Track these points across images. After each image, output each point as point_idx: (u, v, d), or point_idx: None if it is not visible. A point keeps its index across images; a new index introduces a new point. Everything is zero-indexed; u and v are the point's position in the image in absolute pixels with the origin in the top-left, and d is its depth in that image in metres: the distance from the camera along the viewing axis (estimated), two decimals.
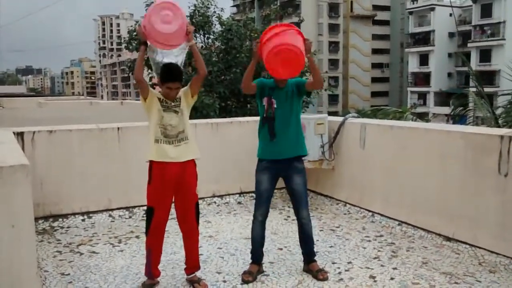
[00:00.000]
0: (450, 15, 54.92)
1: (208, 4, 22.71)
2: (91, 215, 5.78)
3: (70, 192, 5.74)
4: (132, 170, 5.85)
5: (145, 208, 3.94)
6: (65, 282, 4.06)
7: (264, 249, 4.21)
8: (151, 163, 3.78)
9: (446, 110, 31.58)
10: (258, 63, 4.02)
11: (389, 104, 54.26)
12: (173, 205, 3.89)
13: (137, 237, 5.15)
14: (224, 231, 5.37)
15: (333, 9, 69.61)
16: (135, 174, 5.63)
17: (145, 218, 3.97)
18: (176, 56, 3.93)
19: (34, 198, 4.25)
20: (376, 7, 73.89)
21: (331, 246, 4.85)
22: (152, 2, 20.05)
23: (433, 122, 19.12)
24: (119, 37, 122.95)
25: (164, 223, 3.85)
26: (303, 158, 4.18)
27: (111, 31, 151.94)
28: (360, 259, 4.48)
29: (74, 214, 5.74)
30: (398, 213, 5.47)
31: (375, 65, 74.32)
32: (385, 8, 76.19)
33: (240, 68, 20.98)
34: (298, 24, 24.40)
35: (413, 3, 62.51)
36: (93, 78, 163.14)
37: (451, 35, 58.53)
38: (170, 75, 3.70)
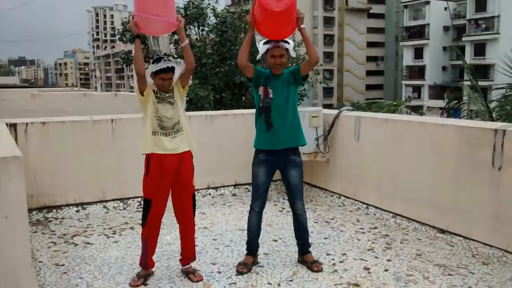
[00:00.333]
0: (445, 9, 54.99)
1: None
2: (85, 206, 5.77)
3: (64, 184, 5.72)
4: (126, 161, 5.83)
5: (139, 199, 3.95)
6: (59, 272, 4.05)
7: (259, 241, 4.21)
8: (148, 155, 3.77)
9: (441, 103, 31.71)
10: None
11: (384, 97, 54.37)
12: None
13: (132, 228, 5.14)
14: (219, 222, 5.37)
15: (328, 2, 69.55)
16: (129, 165, 5.61)
17: (139, 209, 3.97)
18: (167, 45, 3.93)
19: (28, 189, 4.23)
20: (371, 0, 73.87)
21: (325, 238, 4.86)
22: None
23: (427, 116, 19.17)
24: (113, 28, 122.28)
25: (161, 214, 3.85)
26: (301, 148, 4.16)
27: (105, 22, 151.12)
28: (354, 251, 4.50)
29: (68, 205, 5.72)
30: (393, 205, 5.49)
31: (370, 58, 74.43)
32: (380, 1, 76.22)
33: (235, 61, 20.97)
34: None
35: None
36: (86, 69, 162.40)
37: (445, 28, 58.65)
38: (163, 68, 3.68)
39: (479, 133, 4.64)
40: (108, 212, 5.72)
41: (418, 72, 60.50)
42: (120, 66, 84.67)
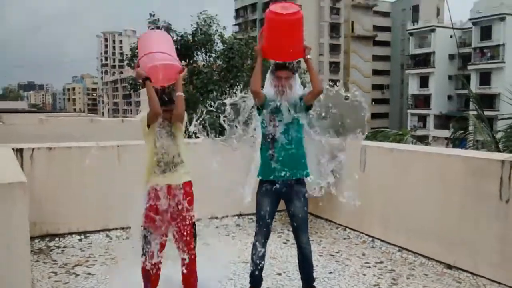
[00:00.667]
0: (451, 36, 55.37)
1: (210, 23, 22.91)
2: (88, 235, 5.72)
3: (67, 211, 5.69)
4: (131, 189, 5.79)
5: (142, 229, 3.90)
6: None
7: (262, 274, 4.13)
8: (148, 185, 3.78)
9: (446, 133, 31.62)
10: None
11: (389, 126, 54.36)
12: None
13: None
14: (222, 254, 5.29)
15: (334, 29, 70.22)
16: (134, 193, 5.57)
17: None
18: None
19: (32, 216, 4.20)
20: (376, 28, 74.50)
21: (330, 272, 4.78)
22: (155, 20, 19.97)
23: (433, 146, 19.10)
24: (121, 54, 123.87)
25: (162, 245, 3.81)
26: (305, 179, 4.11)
27: (114, 47, 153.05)
28: (360, 287, 4.42)
29: (71, 233, 5.68)
30: (398, 238, 5.41)
31: (375, 87, 74.59)
32: (386, 29, 76.81)
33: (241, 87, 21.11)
34: None
35: (414, 24, 63.05)
36: (94, 94, 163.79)
37: (451, 57, 58.94)
38: (162, 101, 3.75)
39: (486, 164, 4.59)
40: (110, 241, 5.67)
41: (423, 101, 60.58)
42: (127, 92, 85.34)
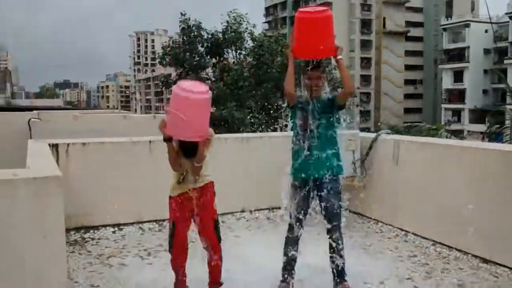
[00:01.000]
0: (486, 31, 54.05)
1: (240, 21, 23.04)
2: (121, 227, 5.83)
3: (101, 204, 5.80)
4: (163, 183, 5.85)
5: None
6: None
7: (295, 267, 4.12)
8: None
9: (482, 127, 30.87)
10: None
11: (423, 121, 53.39)
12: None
13: (166, 250, 5.13)
14: (253, 247, 5.30)
15: (365, 25, 69.48)
16: (166, 187, 5.63)
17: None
18: None
19: (67, 209, 4.30)
20: (409, 23, 73.33)
21: (362, 265, 4.72)
22: (186, 19, 20.13)
23: (468, 140, 18.67)
24: (153, 52, 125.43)
25: (185, 238, 3.86)
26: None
27: (146, 46, 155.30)
28: (393, 280, 4.36)
29: (105, 226, 5.79)
30: (432, 233, 5.31)
31: (408, 82, 73.51)
32: (419, 25, 75.59)
33: (271, 83, 21.09)
34: None
35: (447, 20, 61.74)
36: (127, 92, 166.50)
37: (486, 51, 57.53)
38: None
39: None
40: (143, 234, 5.76)
41: (458, 95, 59.30)
42: (159, 89, 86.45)
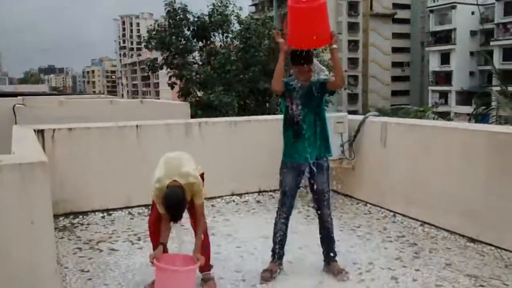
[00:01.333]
0: (472, 13, 54.20)
1: (226, 3, 22.75)
2: (110, 212, 5.81)
3: (89, 190, 5.76)
4: (151, 167, 5.83)
5: None
6: (84, 279, 4.07)
7: (284, 248, 4.15)
8: None
9: (468, 109, 31.14)
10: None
11: (410, 103, 53.65)
12: None
13: None
14: (243, 229, 5.32)
15: (353, 7, 69.23)
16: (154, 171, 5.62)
17: None
18: None
19: (55, 195, 4.27)
20: (396, 6, 73.23)
21: (351, 246, 4.77)
22: (171, 2, 19.87)
23: (455, 121, 18.83)
24: (139, 36, 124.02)
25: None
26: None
27: (131, 30, 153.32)
28: (382, 260, 4.40)
29: (94, 211, 5.76)
30: (420, 213, 5.36)
31: (395, 64, 73.67)
32: (405, 7, 75.47)
33: (259, 67, 20.99)
34: None
35: (434, 1, 61.73)
36: (113, 77, 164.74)
37: (473, 33, 57.71)
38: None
39: (511, 139, 4.50)
40: (133, 218, 5.74)
41: (444, 77, 59.60)
42: (146, 74, 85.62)
